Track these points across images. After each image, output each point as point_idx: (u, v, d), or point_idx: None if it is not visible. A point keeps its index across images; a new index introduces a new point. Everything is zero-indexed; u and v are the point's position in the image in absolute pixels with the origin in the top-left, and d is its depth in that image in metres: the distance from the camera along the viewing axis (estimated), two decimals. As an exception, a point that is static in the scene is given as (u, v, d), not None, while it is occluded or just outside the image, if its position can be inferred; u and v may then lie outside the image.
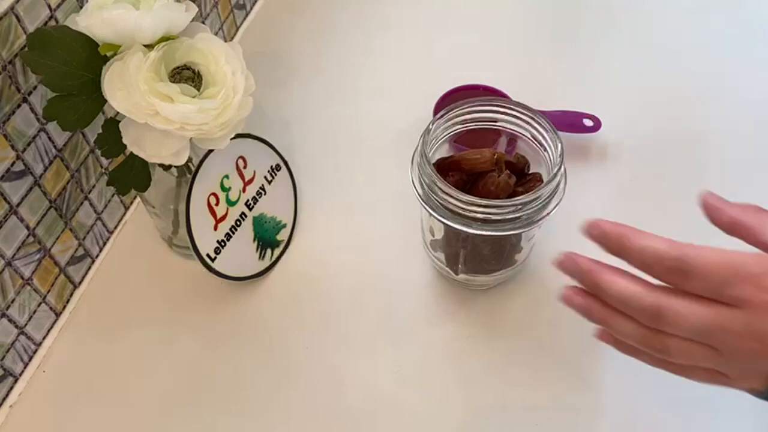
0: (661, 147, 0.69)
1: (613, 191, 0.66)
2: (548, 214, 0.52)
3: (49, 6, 0.51)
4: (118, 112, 0.48)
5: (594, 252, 0.61)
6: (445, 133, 0.56)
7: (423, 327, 0.58)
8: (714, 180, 0.66)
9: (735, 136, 0.70)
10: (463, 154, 0.56)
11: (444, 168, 0.55)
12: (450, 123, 0.56)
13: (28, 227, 0.53)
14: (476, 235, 0.51)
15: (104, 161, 0.61)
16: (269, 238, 0.62)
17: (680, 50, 0.77)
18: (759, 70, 0.75)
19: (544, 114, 0.54)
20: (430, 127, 0.54)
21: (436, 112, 0.67)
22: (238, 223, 0.59)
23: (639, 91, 0.74)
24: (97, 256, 0.63)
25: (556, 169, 0.51)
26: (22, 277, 0.54)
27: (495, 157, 0.54)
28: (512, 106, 0.55)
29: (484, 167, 0.54)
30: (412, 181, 0.54)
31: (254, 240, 0.61)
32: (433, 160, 0.54)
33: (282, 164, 0.63)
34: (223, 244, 0.58)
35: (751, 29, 0.79)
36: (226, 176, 0.58)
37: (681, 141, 0.70)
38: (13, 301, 0.53)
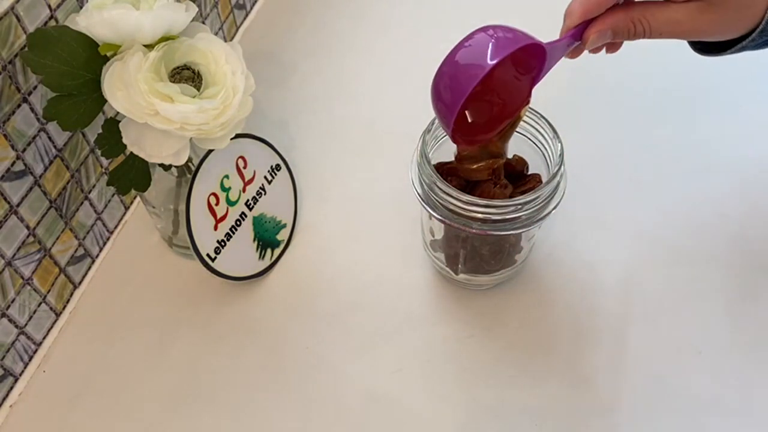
0: (660, 147, 0.69)
1: (613, 191, 0.66)
2: (548, 214, 0.52)
3: (49, 6, 0.51)
4: (118, 112, 0.48)
5: (593, 252, 0.62)
6: (445, 133, 0.56)
7: (423, 327, 0.58)
8: (714, 179, 0.66)
9: (733, 137, 0.70)
10: (460, 161, 0.55)
11: (442, 173, 0.55)
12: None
13: (28, 227, 0.53)
14: (476, 235, 0.51)
15: (104, 161, 0.61)
16: (269, 238, 0.62)
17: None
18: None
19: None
20: (430, 127, 0.54)
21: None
22: (238, 223, 0.59)
23: (640, 92, 0.74)
24: (97, 256, 0.63)
25: (555, 169, 0.51)
26: (22, 277, 0.54)
27: (492, 167, 0.54)
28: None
29: (480, 177, 0.54)
30: (412, 181, 0.54)
31: (254, 240, 0.61)
32: (434, 161, 0.54)
33: (282, 164, 0.63)
34: (223, 244, 0.58)
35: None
36: (226, 176, 0.58)
37: (681, 141, 0.70)
38: (13, 301, 0.53)
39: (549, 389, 0.54)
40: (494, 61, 0.43)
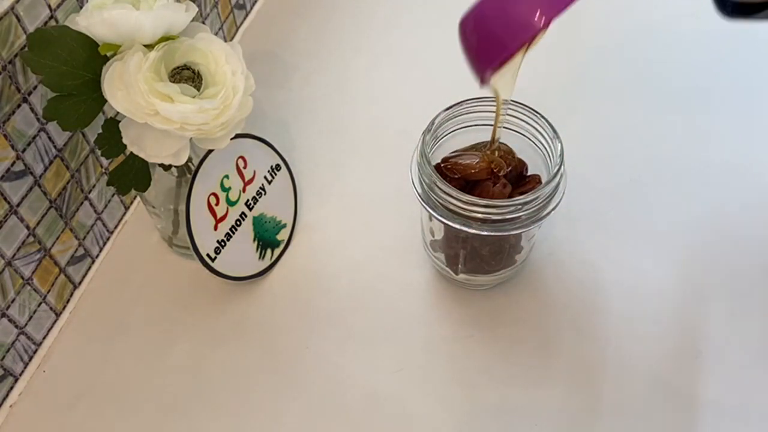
0: (659, 148, 0.69)
1: (613, 191, 0.66)
2: (548, 214, 0.52)
3: (49, 6, 0.51)
4: (118, 112, 0.48)
5: (593, 252, 0.62)
6: (445, 133, 0.56)
7: (423, 327, 0.58)
8: (714, 178, 0.66)
9: (734, 137, 0.70)
10: (458, 159, 0.55)
11: (440, 173, 0.54)
12: (450, 123, 0.56)
13: (28, 227, 0.53)
14: (476, 235, 0.51)
15: (104, 161, 0.61)
16: (269, 238, 0.62)
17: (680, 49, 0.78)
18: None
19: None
20: (430, 127, 0.54)
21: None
22: (238, 223, 0.59)
23: (640, 92, 0.74)
24: (97, 256, 0.63)
25: (555, 169, 0.51)
26: (22, 277, 0.54)
27: (491, 165, 0.54)
28: (512, 107, 0.55)
29: (479, 176, 0.54)
30: (412, 181, 0.54)
31: (254, 240, 0.61)
32: (434, 161, 0.54)
33: (282, 164, 0.63)
34: (223, 244, 0.58)
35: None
36: (226, 176, 0.58)
37: (681, 140, 0.70)
38: (13, 301, 0.53)
39: (549, 389, 0.54)
40: (556, 15, 0.39)
